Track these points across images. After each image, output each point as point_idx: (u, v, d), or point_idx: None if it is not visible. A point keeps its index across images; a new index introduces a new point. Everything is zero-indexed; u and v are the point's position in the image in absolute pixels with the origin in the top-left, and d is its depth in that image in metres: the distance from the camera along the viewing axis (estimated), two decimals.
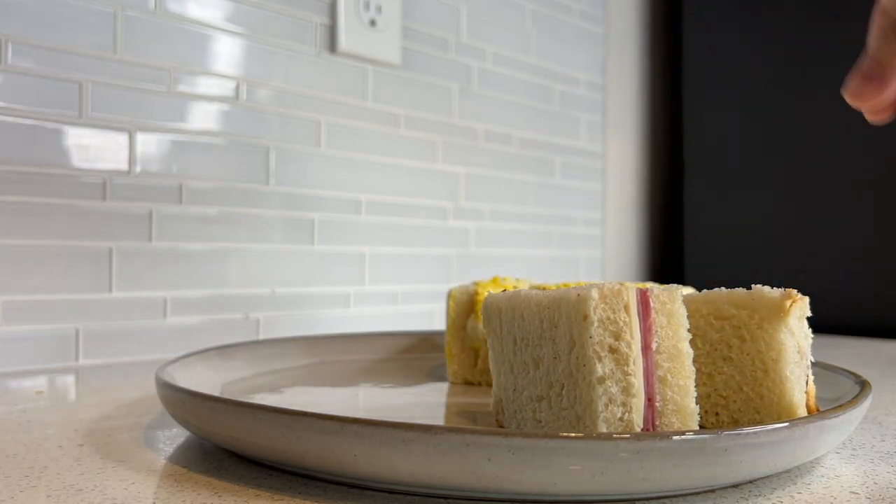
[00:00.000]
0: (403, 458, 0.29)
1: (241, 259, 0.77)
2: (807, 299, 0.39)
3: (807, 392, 0.39)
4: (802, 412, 0.38)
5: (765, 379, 0.39)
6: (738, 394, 0.40)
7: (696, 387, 0.40)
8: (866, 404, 0.38)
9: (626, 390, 0.33)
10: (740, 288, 0.40)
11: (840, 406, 0.35)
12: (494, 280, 0.62)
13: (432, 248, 0.95)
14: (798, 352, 0.39)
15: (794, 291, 0.39)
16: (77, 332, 0.66)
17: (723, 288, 0.41)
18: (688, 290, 0.49)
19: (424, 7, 0.93)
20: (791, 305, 0.38)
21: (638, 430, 0.33)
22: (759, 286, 0.40)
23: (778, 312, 0.38)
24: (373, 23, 0.86)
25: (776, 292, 0.39)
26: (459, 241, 0.98)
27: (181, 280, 0.72)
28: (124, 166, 0.68)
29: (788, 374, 0.38)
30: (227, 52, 0.75)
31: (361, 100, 0.87)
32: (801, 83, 1.11)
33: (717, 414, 0.41)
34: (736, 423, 0.40)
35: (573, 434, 0.28)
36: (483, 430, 0.28)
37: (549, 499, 0.30)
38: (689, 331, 0.35)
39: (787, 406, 0.38)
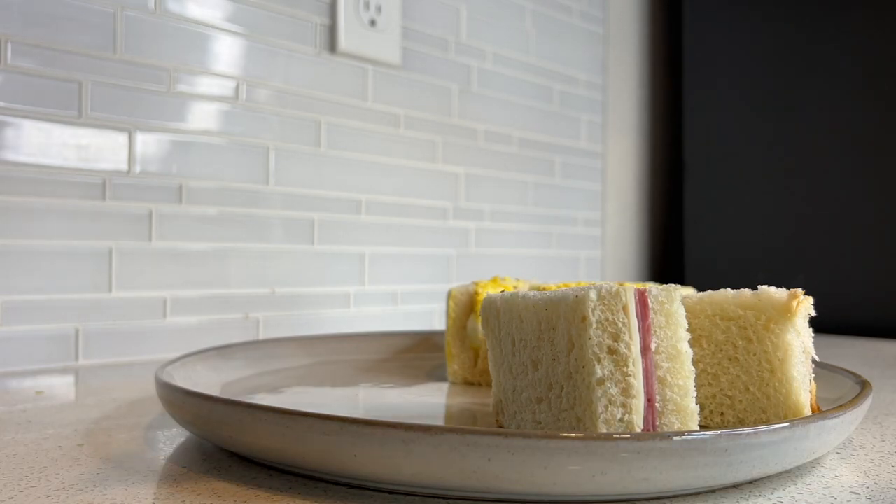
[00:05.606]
0: (403, 458, 0.29)
1: (241, 259, 0.77)
2: (811, 299, 0.39)
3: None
4: (808, 412, 0.38)
5: (771, 379, 0.39)
6: (744, 394, 0.40)
7: (701, 387, 0.40)
8: (866, 404, 0.38)
9: (626, 391, 0.33)
10: (746, 289, 0.40)
11: (840, 406, 0.35)
12: (494, 280, 0.62)
13: (432, 248, 0.95)
14: (804, 352, 0.39)
15: (800, 291, 0.39)
16: (77, 332, 0.66)
17: (728, 289, 0.41)
18: (687, 291, 0.49)
19: (424, 7, 0.93)
20: (798, 306, 0.38)
21: (638, 430, 0.33)
22: (764, 287, 0.40)
23: (785, 313, 0.38)
24: (373, 23, 0.86)
25: (783, 293, 0.39)
26: (459, 241, 0.98)
27: (181, 280, 0.72)
28: (124, 166, 0.68)
29: (795, 374, 0.38)
30: (227, 52, 0.75)
31: (361, 100, 0.87)
32: (801, 83, 1.11)
33: (722, 414, 0.41)
34: (742, 423, 0.40)
35: (573, 434, 0.28)
36: (483, 431, 0.28)
37: (549, 499, 0.30)
38: (694, 331, 0.35)
39: (793, 406, 0.38)
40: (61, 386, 0.59)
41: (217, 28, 0.75)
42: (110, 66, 0.67)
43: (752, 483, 0.33)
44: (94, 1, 0.66)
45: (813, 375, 0.40)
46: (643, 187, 1.30)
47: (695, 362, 0.36)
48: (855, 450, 0.40)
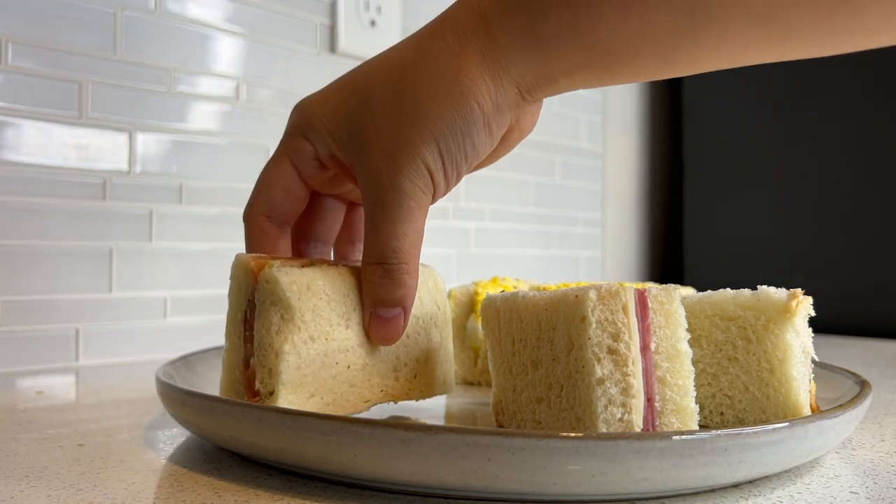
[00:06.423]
0: (403, 458, 0.29)
1: None
2: (810, 299, 0.39)
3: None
4: (808, 412, 0.38)
5: (771, 379, 0.39)
6: (743, 394, 0.40)
7: (701, 387, 0.40)
8: (866, 404, 0.38)
9: (626, 391, 0.33)
10: (745, 289, 0.40)
11: (840, 406, 0.35)
12: (494, 280, 0.62)
13: (432, 248, 0.94)
14: (803, 351, 0.39)
15: (800, 291, 0.39)
16: (77, 332, 0.66)
17: (728, 289, 0.41)
18: (686, 291, 0.49)
19: (424, 7, 0.93)
20: (797, 306, 0.38)
21: (638, 430, 0.33)
22: (764, 287, 0.40)
23: (784, 313, 0.38)
24: (373, 23, 0.86)
25: (782, 293, 0.39)
26: (459, 241, 0.98)
27: (181, 280, 0.72)
28: (124, 166, 0.68)
29: (795, 374, 0.38)
30: (227, 52, 0.75)
31: None
32: (801, 83, 1.11)
33: (721, 414, 0.41)
34: (741, 423, 0.40)
35: (573, 434, 0.28)
36: (483, 430, 0.28)
37: (549, 499, 0.30)
38: (694, 331, 0.35)
39: (792, 406, 0.38)
40: (61, 386, 0.59)
41: (217, 28, 0.75)
42: (110, 66, 0.67)
43: (752, 483, 0.33)
44: (94, 1, 0.66)
45: (813, 375, 0.40)
46: (643, 187, 1.30)
47: (694, 362, 0.36)
48: (855, 450, 0.40)
